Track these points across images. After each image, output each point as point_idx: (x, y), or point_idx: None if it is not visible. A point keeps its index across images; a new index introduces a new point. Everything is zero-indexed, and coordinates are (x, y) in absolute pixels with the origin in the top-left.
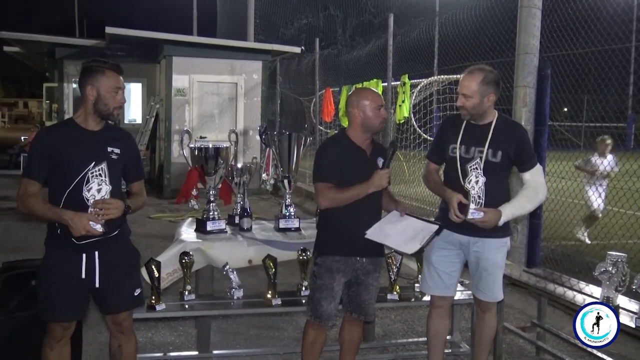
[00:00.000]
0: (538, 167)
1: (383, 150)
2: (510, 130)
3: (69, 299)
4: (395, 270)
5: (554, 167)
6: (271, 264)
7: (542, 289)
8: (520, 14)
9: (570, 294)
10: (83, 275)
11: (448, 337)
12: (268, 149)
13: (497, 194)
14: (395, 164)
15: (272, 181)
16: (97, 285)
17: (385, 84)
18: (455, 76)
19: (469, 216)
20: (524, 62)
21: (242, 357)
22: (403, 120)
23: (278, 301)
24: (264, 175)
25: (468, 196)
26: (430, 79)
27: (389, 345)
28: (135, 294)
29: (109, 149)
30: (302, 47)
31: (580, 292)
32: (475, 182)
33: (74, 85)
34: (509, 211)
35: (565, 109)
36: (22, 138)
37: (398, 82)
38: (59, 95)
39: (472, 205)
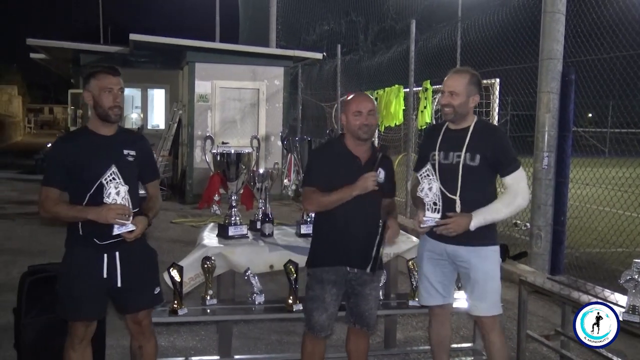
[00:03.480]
0: (520, 172)
1: (386, 161)
2: (488, 133)
3: (90, 298)
4: (416, 277)
5: (577, 173)
6: (292, 270)
7: (566, 296)
8: (543, 19)
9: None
10: (105, 275)
11: (470, 345)
12: (290, 154)
13: (477, 198)
14: None
15: (293, 187)
16: (119, 284)
17: (407, 89)
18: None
19: (423, 225)
20: (548, 67)
21: None
22: (425, 126)
23: (299, 307)
24: (285, 180)
25: (424, 205)
26: None
27: (410, 352)
28: (156, 293)
29: (125, 152)
30: (324, 53)
31: (605, 300)
32: (429, 189)
33: None
34: (481, 215)
35: (590, 115)
36: (48, 144)
37: (420, 88)
38: (83, 101)
39: (427, 213)
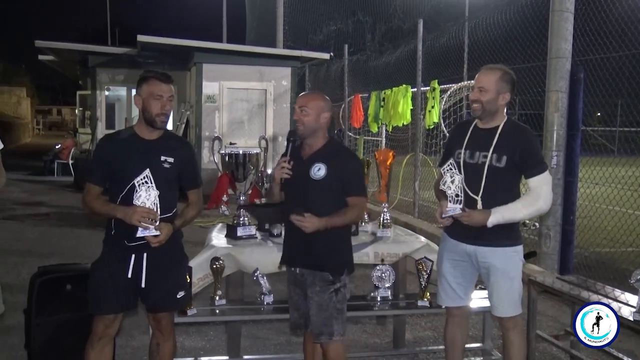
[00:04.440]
0: (545, 175)
1: (327, 156)
2: (517, 135)
3: (113, 294)
4: (425, 277)
5: (587, 172)
6: None
7: (576, 296)
8: (552, 17)
9: (605, 302)
10: (129, 275)
11: (479, 345)
12: None
13: (500, 199)
14: (425, 169)
15: None
16: (143, 285)
17: (415, 89)
18: None
19: (446, 214)
20: (556, 66)
21: None
22: (433, 126)
23: None
24: None
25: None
26: (460, 84)
27: (419, 352)
28: (178, 296)
29: (162, 158)
30: (331, 54)
31: (615, 299)
32: (451, 182)
33: (107, 93)
34: (499, 213)
35: (599, 114)
36: (57, 145)
37: (428, 88)
38: (91, 102)
39: (449, 204)
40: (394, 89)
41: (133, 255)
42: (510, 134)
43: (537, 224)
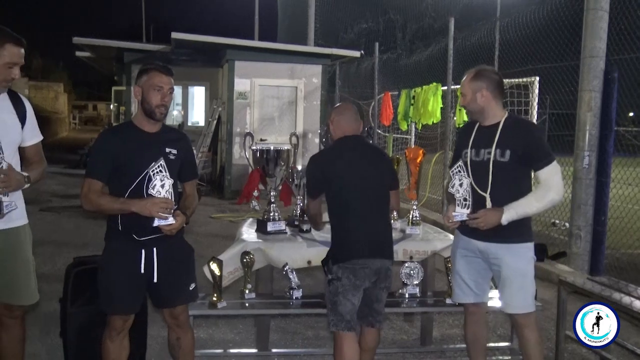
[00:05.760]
0: (554, 166)
1: None
2: (519, 128)
3: (127, 293)
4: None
5: (619, 173)
6: None
7: (607, 297)
8: (586, 16)
9: (637, 303)
10: (142, 270)
11: (508, 344)
12: None
13: (508, 194)
14: None
15: None
16: (155, 280)
17: (445, 87)
18: (516, 80)
19: (454, 219)
20: (590, 65)
21: (300, 357)
22: (463, 124)
23: None
24: None
25: (455, 200)
26: None
27: (446, 350)
28: (191, 289)
29: (167, 150)
30: (362, 51)
31: None
32: (460, 185)
33: None
34: (512, 210)
35: (631, 114)
36: (92, 140)
37: (458, 86)
38: (126, 98)
39: (457, 209)
40: (424, 87)
41: (143, 250)
42: (512, 129)
43: (567, 223)
